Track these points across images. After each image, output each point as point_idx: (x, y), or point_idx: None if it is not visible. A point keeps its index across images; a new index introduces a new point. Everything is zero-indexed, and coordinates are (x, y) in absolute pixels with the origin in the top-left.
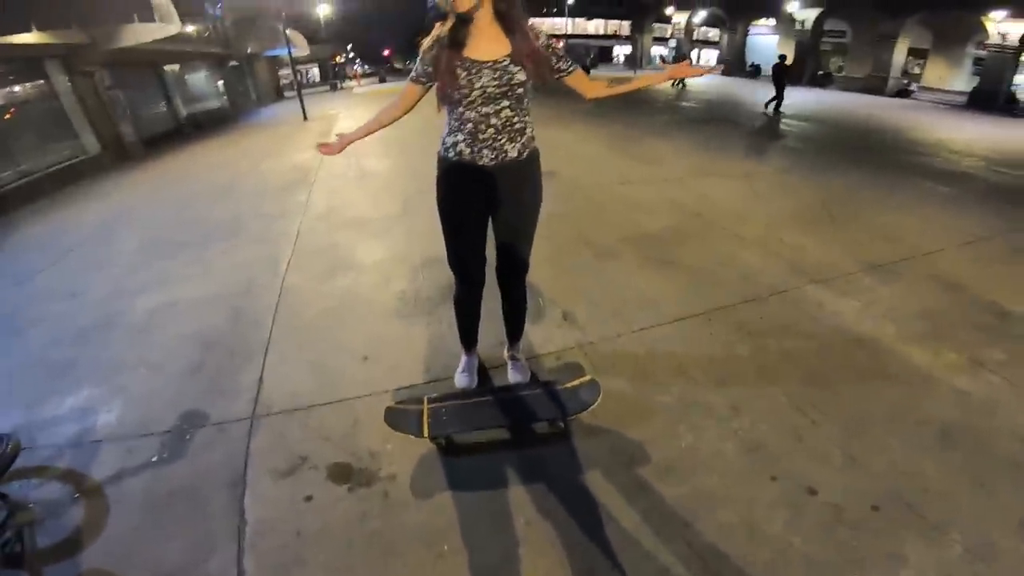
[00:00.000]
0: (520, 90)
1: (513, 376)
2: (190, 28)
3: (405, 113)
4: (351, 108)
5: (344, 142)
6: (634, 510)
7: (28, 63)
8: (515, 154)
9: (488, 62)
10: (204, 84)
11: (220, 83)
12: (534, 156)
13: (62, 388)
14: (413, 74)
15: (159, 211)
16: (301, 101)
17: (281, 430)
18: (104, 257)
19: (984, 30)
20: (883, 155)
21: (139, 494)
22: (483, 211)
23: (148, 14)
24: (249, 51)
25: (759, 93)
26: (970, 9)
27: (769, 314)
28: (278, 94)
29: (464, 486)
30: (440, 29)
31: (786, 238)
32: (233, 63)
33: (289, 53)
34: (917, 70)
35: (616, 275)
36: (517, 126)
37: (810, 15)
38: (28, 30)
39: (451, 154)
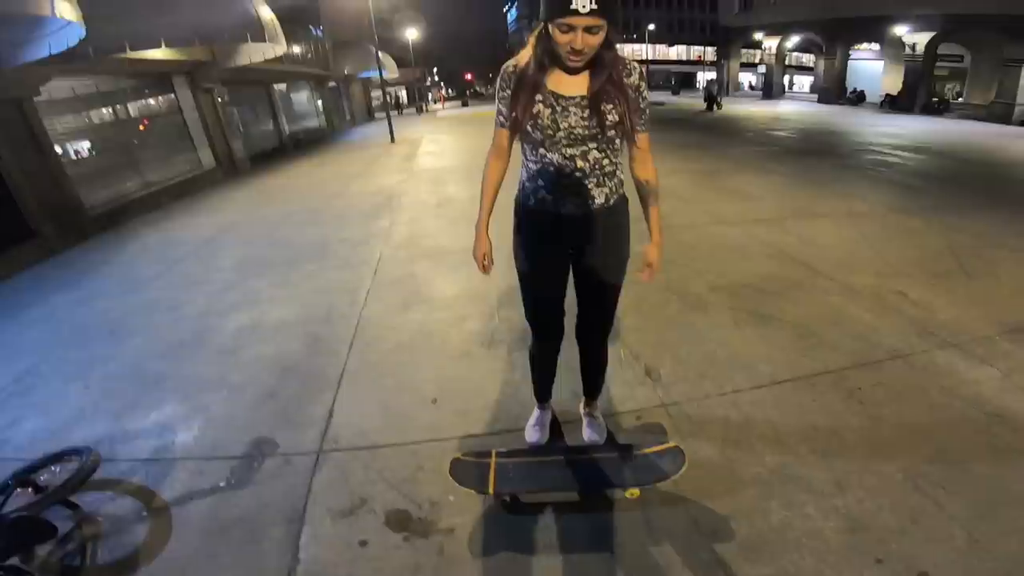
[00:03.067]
0: (612, 132)
1: (589, 435)
2: (295, 49)
3: (508, 161)
4: (435, 132)
5: (484, 248)
6: None
7: (159, 78)
8: (603, 200)
9: (575, 97)
10: (305, 104)
11: (319, 103)
12: (623, 202)
13: (149, 401)
14: (498, 118)
15: (256, 229)
16: (390, 123)
17: (345, 468)
18: (204, 272)
19: None
20: (1017, 193)
21: (202, 519)
22: (564, 263)
23: (259, 34)
24: (346, 72)
25: (864, 120)
26: None
27: (888, 381)
28: (369, 115)
29: (525, 548)
30: (520, 59)
31: (908, 292)
32: (331, 84)
33: (381, 75)
34: None
35: (706, 329)
36: (607, 169)
37: (921, 39)
38: (158, 46)
39: (531, 201)
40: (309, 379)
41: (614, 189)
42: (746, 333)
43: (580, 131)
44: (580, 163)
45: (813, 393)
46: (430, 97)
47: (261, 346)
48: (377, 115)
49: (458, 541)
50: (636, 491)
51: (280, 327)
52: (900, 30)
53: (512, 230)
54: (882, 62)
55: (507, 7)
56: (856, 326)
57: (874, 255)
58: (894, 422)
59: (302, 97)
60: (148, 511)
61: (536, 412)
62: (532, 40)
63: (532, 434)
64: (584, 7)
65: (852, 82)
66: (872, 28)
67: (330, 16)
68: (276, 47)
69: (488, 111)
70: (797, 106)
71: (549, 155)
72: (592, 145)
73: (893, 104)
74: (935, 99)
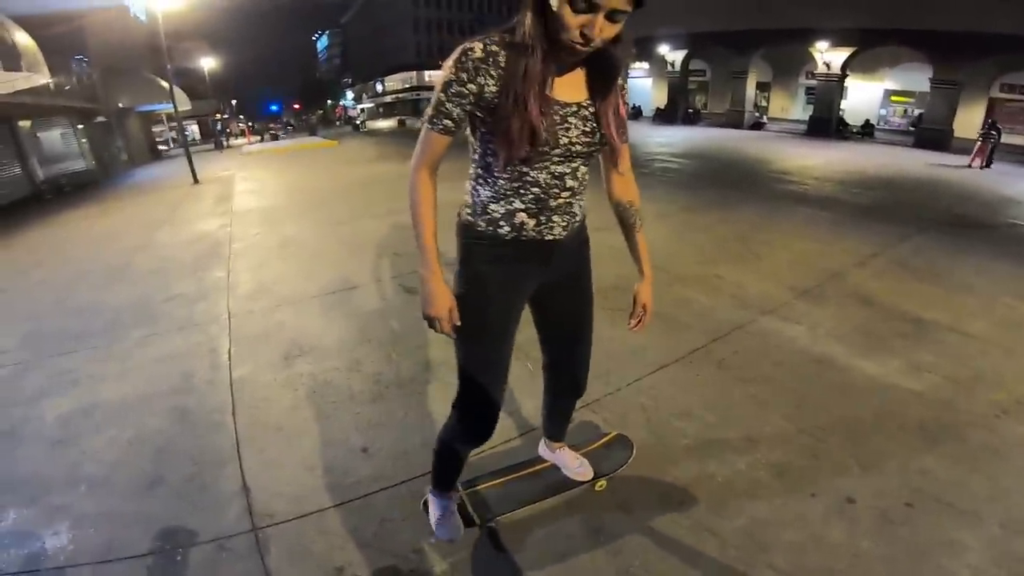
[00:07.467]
0: (605, 146)
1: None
2: (47, 79)
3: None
4: (246, 168)
5: (448, 302)
6: (710, 548)
7: None
8: (580, 217)
9: (572, 105)
10: (65, 142)
11: (84, 141)
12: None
13: None
14: (439, 120)
15: (36, 296)
16: (190, 161)
17: (299, 539)
18: None
19: (812, 60)
20: (764, 185)
21: None
22: (522, 308)
23: (14, 61)
24: (121, 105)
25: (644, 132)
26: (799, 41)
27: (739, 349)
28: (153, 153)
29: (534, 565)
30: (499, 39)
31: (723, 275)
32: (100, 119)
33: (175, 108)
34: (764, 103)
35: (594, 329)
36: (586, 182)
37: (679, 57)
38: None
39: (503, 229)
40: (198, 456)
41: (583, 203)
42: (625, 328)
43: (579, 147)
44: (570, 182)
45: (694, 368)
46: (231, 131)
47: (110, 430)
48: (164, 153)
49: None
50: (603, 482)
51: (127, 407)
52: (663, 49)
53: (460, 269)
54: (651, 79)
55: (317, 36)
56: (699, 308)
57: (689, 247)
58: (759, 381)
59: (58, 135)
60: None
61: (443, 504)
62: (529, 16)
63: (447, 531)
64: None
65: (631, 99)
66: (644, 48)
67: (98, 42)
68: (34, 77)
69: (309, 143)
70: None
71: (532, 173)
72: (581, 161)
73: (661, 116)
74: (690, 110)
